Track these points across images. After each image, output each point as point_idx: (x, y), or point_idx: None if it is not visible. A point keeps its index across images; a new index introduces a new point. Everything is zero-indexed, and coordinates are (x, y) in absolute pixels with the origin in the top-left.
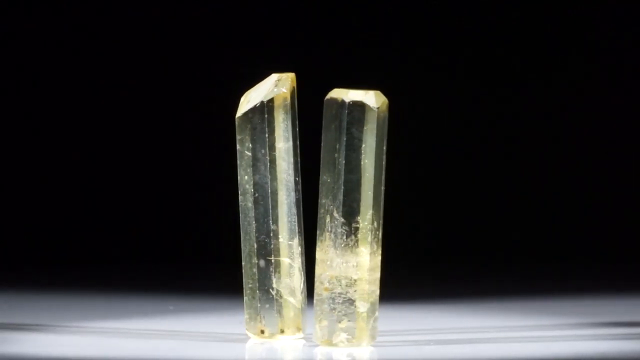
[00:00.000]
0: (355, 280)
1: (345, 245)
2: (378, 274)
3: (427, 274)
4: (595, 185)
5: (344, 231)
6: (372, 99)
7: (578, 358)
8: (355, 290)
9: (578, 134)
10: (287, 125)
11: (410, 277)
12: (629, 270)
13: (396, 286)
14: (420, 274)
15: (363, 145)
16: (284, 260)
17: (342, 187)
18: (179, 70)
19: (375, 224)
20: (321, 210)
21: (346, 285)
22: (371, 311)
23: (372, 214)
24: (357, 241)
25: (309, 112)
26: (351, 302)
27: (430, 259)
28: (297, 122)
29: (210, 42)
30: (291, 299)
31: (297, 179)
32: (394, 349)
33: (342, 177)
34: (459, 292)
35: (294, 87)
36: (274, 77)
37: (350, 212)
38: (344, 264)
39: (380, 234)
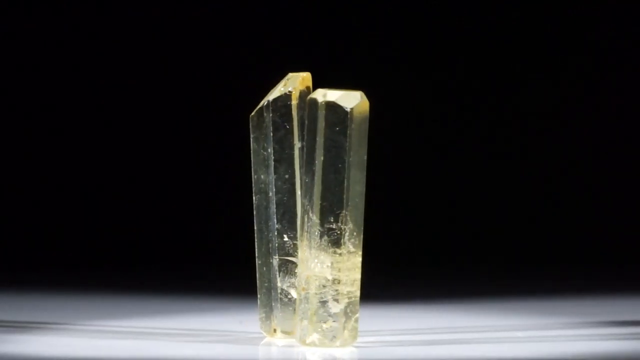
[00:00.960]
0: (330, 281)
1: (319, 246)
2: (356, 275)
3: (426, 274)
4: (595, 185)
5: (318, 231)
6: (348, 99)
7: (578, 358)
8: (329, 291)
9: (578, 134)
10: (293, 125)
11: (408, 278)
12: (630, 271)
13: (394, 287)
14: (419, 274)
15: (336, 146)
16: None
17: (316, 188)
18: (188, 70)
19: (351, 224)
20: (301, 210)
21: (321, 286)
22: (348, 312)
23: (347, 215)
24: (331, 242)
25: None
26: (324, 302)
27: (430, 259)
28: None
29: (217, 41)
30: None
31: (307, 179)
32: (373, 349)
33: (316, 177)
34: (457, 292)
35: (307, 87)
36: (288, 76)
37: (324, 213)
38: (319, 265)
39: (359, 235)
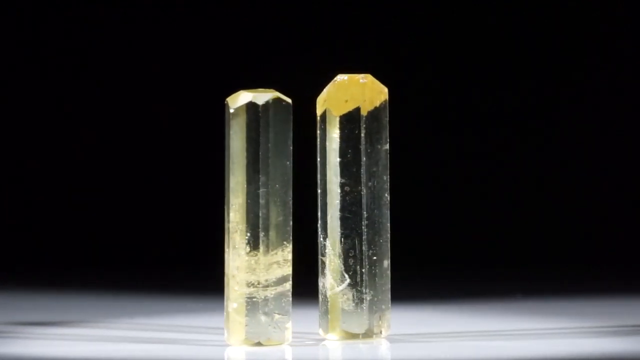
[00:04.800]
0: (230, 280)
1: (227, 244)
2: (257, 277)
3: (424, 275)
4: (597, 186)
5: (227, 229)
6: (242, 99)
7: (582, 358)
8: (229, 290)
9: (578, 133)
10: (322, 128)
11: (407, 279)
12: (630, 271)
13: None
14: (419, 275)
15: (228, 147)
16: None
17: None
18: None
19: (242, 225)
20: None
21: (228, 284)
22: (246, 312)
23: (241, 215)
24: (230, 241)
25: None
26: (228, 300)
27: (428, 261)
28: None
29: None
30: (338, 299)
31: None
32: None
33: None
34: (458, 293)
35: (367, 89)
36: (335, 78)
37: (228, 212)
38: (231, 263)
39: (255, 235)
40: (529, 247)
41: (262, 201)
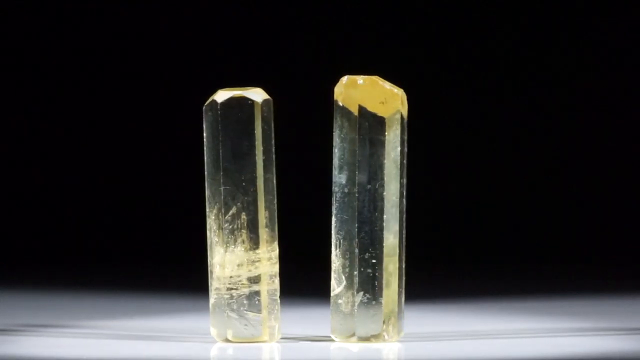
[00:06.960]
0: (211, 275)
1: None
2: (225, 272)
3: (423, 275)
4: (597, 185)
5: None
6: (212, 97)
7: (582, 358)
8: (209, 285)
9: (579, 134)
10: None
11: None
12: (630, 270)
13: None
14: (420, 275)
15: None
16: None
17: None
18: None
19: (218, 223)
20: None
21: (210, 281)
22: (221, 306)
23: (215, 213)
24: (208, 239)
25: None
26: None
27: (429, 261)
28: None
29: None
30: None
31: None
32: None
33: None
34: (457, 293)
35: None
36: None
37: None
38: (211, 261)
39: (221, 231)
40: (528, 247)
41: (231, 198)
